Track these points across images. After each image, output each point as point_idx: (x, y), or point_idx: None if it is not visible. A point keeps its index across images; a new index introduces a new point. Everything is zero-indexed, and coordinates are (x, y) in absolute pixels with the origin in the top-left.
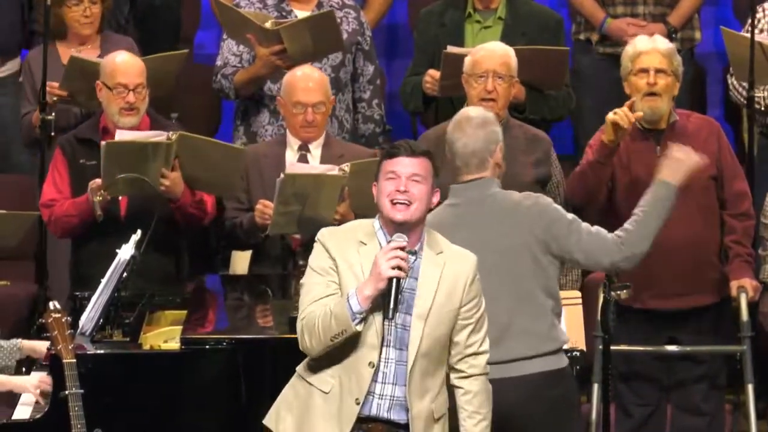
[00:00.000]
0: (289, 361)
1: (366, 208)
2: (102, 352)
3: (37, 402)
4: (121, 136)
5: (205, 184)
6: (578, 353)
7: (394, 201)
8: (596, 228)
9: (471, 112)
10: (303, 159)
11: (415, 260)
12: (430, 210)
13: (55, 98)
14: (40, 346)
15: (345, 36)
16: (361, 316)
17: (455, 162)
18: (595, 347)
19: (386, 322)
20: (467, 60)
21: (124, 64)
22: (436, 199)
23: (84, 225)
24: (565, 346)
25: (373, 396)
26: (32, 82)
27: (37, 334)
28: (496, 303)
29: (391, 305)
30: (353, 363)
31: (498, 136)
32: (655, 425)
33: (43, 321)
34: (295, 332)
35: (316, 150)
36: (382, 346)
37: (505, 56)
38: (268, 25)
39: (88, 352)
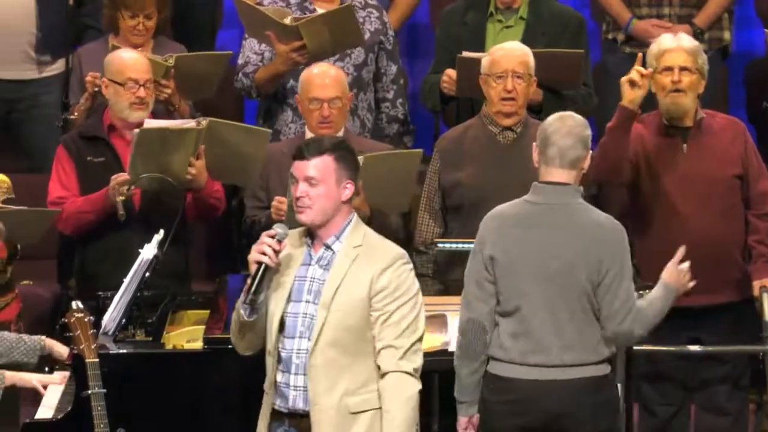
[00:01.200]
0: None
1: (381, 202)
2: (125, 351)
3: (59, 403)
4: (151, 123)
5: (227, 172)
6: (613, 355)
7: (298, 207)
8: (635, 295)
9: (575, 118)
10: None
11: (332, 254)
12: (345, 202)
13: (96, 88)
14: (63, 347)
15: (367, 36)
16: (245, 305)
17: (548, 151)
18: (619, 347)
19: (288, 312)
20: (485, 60)
21: (133, 60)
22: (348, 192)
23: (98, 221)
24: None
25: (289, 388)
26: (80, 76)
27: (60, 333)
28: (548, 310)
29: (253, 288)
30: (266, 356)
31: (590, 145)
32: (678, 425)
33: (66, 320)
34: None
35: None
36: (282, 334)
37: (523, 56)
38: (287, 21)
39: (111, 352)
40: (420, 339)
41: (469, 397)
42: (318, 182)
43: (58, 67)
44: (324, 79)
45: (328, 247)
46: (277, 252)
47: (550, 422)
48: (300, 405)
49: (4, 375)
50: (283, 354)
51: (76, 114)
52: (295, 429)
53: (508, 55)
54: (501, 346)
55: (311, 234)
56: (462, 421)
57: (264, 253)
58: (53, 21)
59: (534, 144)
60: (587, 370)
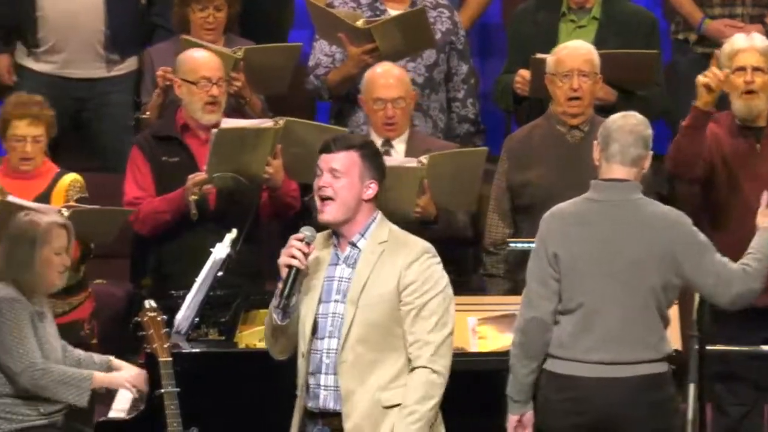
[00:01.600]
0: None
1: (447, 200)
2: (198, 350)
3: (133, 403)
4: (228, 123)
5: (303, 171)
6: (674, 353)
7: (320, 197)
8: (726, 258)
9: (636, 116)
10: (386, 155)
11: (359, 252)
12: (367, 201)
13: (167, 83)
14: (118, 378)
15: (438, 36)
16: (277, 309)
17: (609, 149)
18: (691, 347)
19: (319, 314)
20: (550, 59)
21: (205, 59)
22: (371, 192)
23: (175, 221)
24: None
25: (320, 388)
26: (152, 76)
27: (133, 332)
28: (611, 307)
29: (286, 292)
30: (298, 357)
31: (650, 145)
32: (750, 425)
33: (139, 319)
34: None
35: (399, 145)
36: (314, 336)
37: (588, 54)
38: (359, 24)
39: (184, 351)
40: (451, 333)
41: (524, 396)
42: (341, 175)
43: (127, 66)
44: (387, 79)
45: (353, 245)
46: (306, 254)
47: (609, 419)
48: (330, 405)
49: (93, 376)
50: (314, 355)
51: (148, 113)
52: (328, 428)
53: (572, 53)
54: (562, 344)
55: (336, 234)
56: (512, 419)
57: (294, 257)
58: (123, 20)
59: (595, 142)
60: (647, 368)
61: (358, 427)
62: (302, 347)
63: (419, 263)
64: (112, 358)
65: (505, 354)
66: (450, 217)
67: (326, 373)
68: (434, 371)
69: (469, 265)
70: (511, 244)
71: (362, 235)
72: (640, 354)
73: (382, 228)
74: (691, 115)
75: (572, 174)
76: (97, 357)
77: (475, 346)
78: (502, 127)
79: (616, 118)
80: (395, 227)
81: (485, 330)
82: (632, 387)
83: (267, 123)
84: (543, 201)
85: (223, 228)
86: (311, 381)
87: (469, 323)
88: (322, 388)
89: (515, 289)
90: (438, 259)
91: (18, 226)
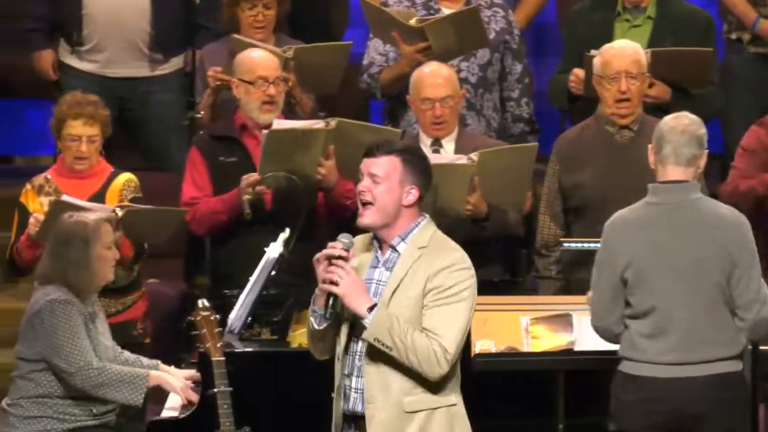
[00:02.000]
0: None
1: (497, 197)
2: (251, 350)
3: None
4: (280, 124)
5: (357, 172)
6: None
7: (360, 201)
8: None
9: (689, 117)
10: (436, 153)
11: (397, 255)
12: (407, 207)
13: (218, 83)
14: (172, 383)
15: (493, 35)
16: (316, 313)
17: (663, 151)
18: (744, 348)
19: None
20: (597, 61)
21: (262, 58)
22: (412, 197)
23: (231, 222)
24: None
25: (351, 390)
26: (203, 76)
27: (187, 331)
28: (679, 308)
29: (327, 311)
30: (335, 360)
31: (705, 144)
32: None
33: (192, 319)
34: None
35: (449, 144)
36: (351, 338)
37: (635, 54)
38: (412, 22)
39: (237, 350)
40: (458, 345)
41: None
42: (381, 180)
43: (170, 65)
44: (435, 78)
45: (393, 248)
46: (346, 259)
47: (683, 419)
48: (359, 408)
49: (149, 375)
50: (349, 357)
51: (202, 112)
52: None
53: (619, 55)
54: (635, 347)
55: (377, 238)
56: None
57: (333, 283)
58: (168, 19)
59: (650, 145)
60: (720, 366)
61: (380, 430)
62: (339, 350)
63: (449, 271)
64: (159, 362)
65: (557, 354)
66: (501, 215)
67: (357, 376)
68: (444, 349)
69: (522, 265)
70: (565, 244)
71: (402, 239)
72: (713, 352)
73: (424, 233)
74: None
75: (623, 174)
76: (145, 360)
77: (528, 345)
78: (556, 127)
79: (668, 120)
80: (439, 233)
81: (538, 330)
82: (706, 386)
83: (318, 124)
84: (594, 202)
85: (278, 228)
86: (346, 383)
87: (522, 323)
88: (353, 390)
89: (568, 288)
90: (471, 271)
91: (66, 228)
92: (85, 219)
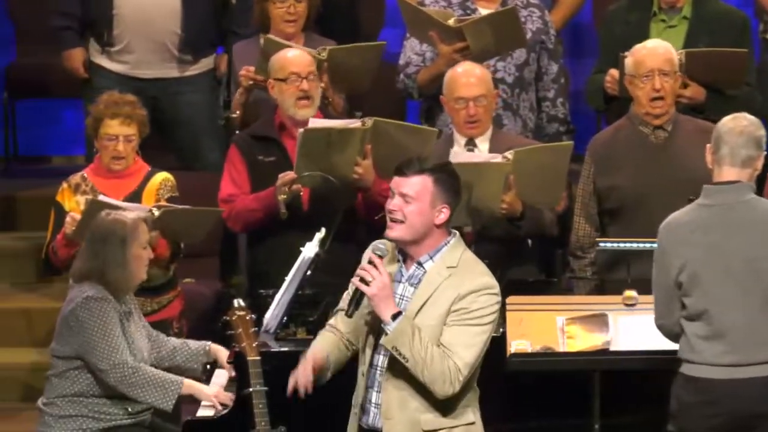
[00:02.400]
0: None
1: (532, 196)
2: (286, 349)
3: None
4: (315, 123)
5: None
6: None
7: (390, 218)
8: None
9: (749, 118)
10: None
11: (423, 272)
12: (438, 226)
13: (251, 82)
14: (205, 392)
15: (529, 35)
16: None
17: (720, 151)
18: None
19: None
20: (629, 61)
21: (294, 55)
22: (443, 216)
23: (267, 219)
24: None
25: (371, 404)
26: (236, 75)
27: (222, 331)
28: (733, 310)
29: (354, 303)
30: (358, 375)
31: (764, 146)
32: None
33: (228, 318)
34: None
35: (483, 144)
36: (374, 353)
37: (667, 53)
38: (450, 22)
39: (272, 350)
40: (472, 368)
41: None
42: (412, 200)
43: (200, 66)
44: (469, 77)
45: (420, 264)
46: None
47: (744, 420)
48: (378, 423)
49: (182, 382)
50: (372, 371)
51: (237, 112)
52: None
53: (651, 53)
54: (693, 349)
55: (403, 252)
56: None
57: (365, 282)
58: (197, 21)
59: (708, 146)
60: None
61: None
62: (362, 366)
63: (477, 294)
64: (209, 343)
65: (593, 354)
66: (536, 214)
67: (377, 391)
68: (459, 369)
69: (558, 265)
70: (600, 245)
71: (431, 258)
72: None
73: (453, 253)
74: None
75: (659, 175)
76: (192, 344)
77: (564, 345)
78: (592, 127)
79: (726, 121)
80: (468, 253)
81: (574, 329)
82: (765, 386)
83: (354, 123)
84: (632, 204)
85: (316, 228)
86: (367, 397)
87: (558, 323)
88: (373, 405)
89: (604, 289)
90: (498, 297)
91: (104, 227)
92: (123, 218)
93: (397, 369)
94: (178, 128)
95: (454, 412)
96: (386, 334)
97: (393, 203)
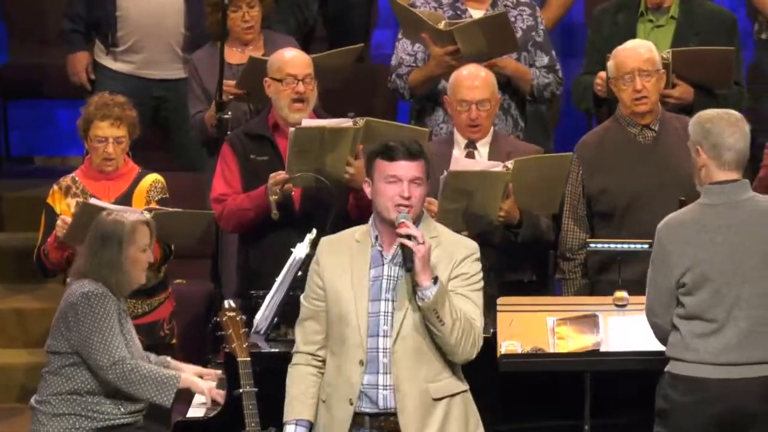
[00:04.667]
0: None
1: (530, 203)
2: (277, 350)
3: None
4: (307, 122)
5: None
6: None
7: (398, 205)
8: None
9: (733, 113)
10: (470, 156)
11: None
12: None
13: (230, 96)
14: (201, 385)
15: (519, 34)
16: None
17: (719, 154)
18: None
19: (371, 312)
20: (610, 63)
21: (292, 57)
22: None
23: (259, 219)
24: None
25: (377, 388)
26: (200, 82)
27: (213, 332)
28: (748, 306)
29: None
30: (345, 366)
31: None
32: None
33: (218, 319)
34: None
35: (483, 147)
36: (378, 339)
37: (647, 52)
38: (441, 25)
39: (263, 351)
40: (481, 327)
41: None
42: (422, 182)
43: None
44: (473, 81)
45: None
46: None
47: (735, 420)
48: (391, 404)
49: (180, 377)
50: (370, 354)
51: (230, 113)
52: (377, 430)
53: (631, 54)
54: (687, 347)
55: (376, 235)
56: None
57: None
58: (202, 21)
59: (692, 144)
60: None
61: (410, 419)
62: (356, 357)
63: (472, 259)
64: (168, 358)
65: (583, 355)
66: (534, 221)
67: (385, 373)
68: (480, 333)
69: (551, 266)
70: (591, 245)
71: None
72: None
73: (429, 223)
74: None
75: (649, 175)
76: (153, 357)
77: (554, 346)
78: (583, 126)
79: (715, 120)
80: (439, 225)
81: (564, 330)
82: (760, 387)
83: (347, 122)
84: (624, 206)
85: (307, 228)
86: (365, 381)
87: (548, 323)
88: (381, 387)
89: (594, 290)
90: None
91: (103, 227)
92: (122, 219)
93: (405, 345)
94: (182, 128)
95: (453, 379)
96: (423, 299)
97: (409, 190)
